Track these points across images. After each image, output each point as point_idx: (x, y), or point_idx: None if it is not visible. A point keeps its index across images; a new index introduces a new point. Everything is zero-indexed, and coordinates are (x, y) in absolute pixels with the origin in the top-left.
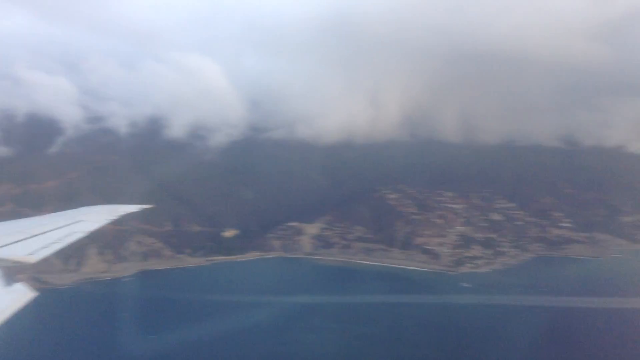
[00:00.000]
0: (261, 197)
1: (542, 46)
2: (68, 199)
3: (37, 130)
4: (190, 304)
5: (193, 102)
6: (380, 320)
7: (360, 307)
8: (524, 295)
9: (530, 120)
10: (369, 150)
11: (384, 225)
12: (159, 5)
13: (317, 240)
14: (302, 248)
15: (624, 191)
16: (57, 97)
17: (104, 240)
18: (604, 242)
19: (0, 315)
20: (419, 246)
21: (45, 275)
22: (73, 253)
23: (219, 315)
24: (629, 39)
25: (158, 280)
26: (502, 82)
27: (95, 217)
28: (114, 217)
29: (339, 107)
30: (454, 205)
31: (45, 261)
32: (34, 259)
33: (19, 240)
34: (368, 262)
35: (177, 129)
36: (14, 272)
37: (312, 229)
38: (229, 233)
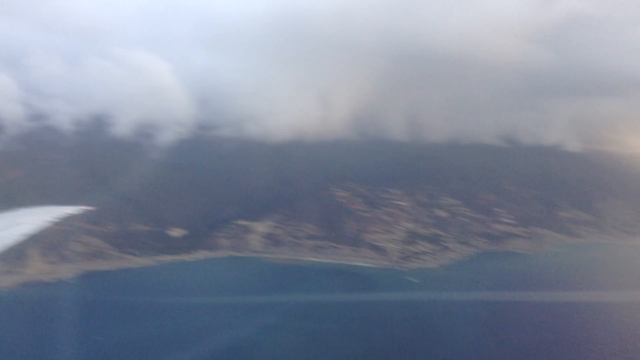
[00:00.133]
0: (209, 196)
1: (485, 48)
2: (10, 199)
3: None
4: (138, 306)
5: (140, 100)
6: (332, 318)
7: (312, 305)
8: (470, 291)
9: (473, 120)
10: (318, 148)
11: (333, 223)
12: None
13: (266, 238)
14: (252, 247)
15: (561, 188)
16: None
17: (47, 242)
18: (543, 236)
19: None
20: (368, 243)
21: None
22: (14, 255)
23: (168, 317)
24: (566, 41)
25: (104, 281)
26: (446, 83)
27: (33, 219)
28: (53, 219)
29: (288, 106)
30: (401, 203)
31: None
32: None
33: None
34: (318, 260)
35: (123, 127)
36: None
37: (262, 227)
38: (176, 232)
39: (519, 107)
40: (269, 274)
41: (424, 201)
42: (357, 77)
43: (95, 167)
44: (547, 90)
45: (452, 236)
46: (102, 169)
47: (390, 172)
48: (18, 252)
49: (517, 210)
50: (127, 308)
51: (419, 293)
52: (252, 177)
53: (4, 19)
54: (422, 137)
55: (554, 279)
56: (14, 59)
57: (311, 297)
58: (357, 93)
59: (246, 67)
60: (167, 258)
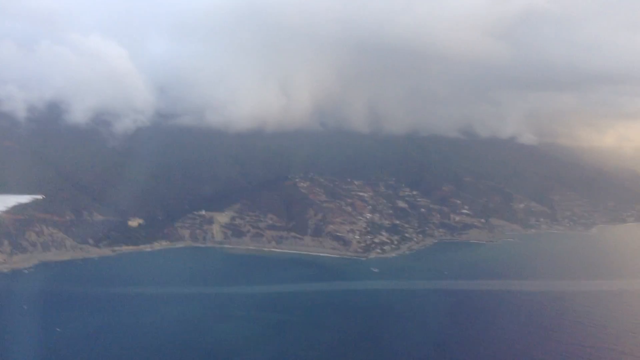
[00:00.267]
0: (169, 186)
1: (445, 41)
2: None
3: None
4: (96, 297)
5: (96, 87)
6: (294, 308)
7: (274, 295)
8: (429, 280)
9: (432, 112)
10: (279, 138)
11: (295, 213)
12: None
13: (227, 229)
14: (213, 237)
15: (516, 180)
16: None
17: (0, 231)
18: (499, 227)
19: None
20: (329, 233)
21: None
22: None
23: (127, 308)
24: (523, 36)
25: (61, 271)
26: (406, 75)
27: None
28: (6, 208)
29: (249, 95)
30: (362, 193)
31: None
32: None
33: None
34: (280, 250)
35: (79, 114)
36: None
37: (223, 217)
38: (134, 222)
39: (476, 100)
40: (230, 264)
41: (384, 192)
42: (318, 67)
43: (50, 155)
44: (503, 84)
45: (411, 226)
46: (57, 157)
47: (351, 163)
48: None
49: (474, 201)
50: (85, 299)
51: (380, 282)
52: (213, 167)
53: None
54: (382, 129)
55: (508, 268)
56: None
57: (273, 287)
58: (318, 83)
59: (207, 55)
60: (126, 248)
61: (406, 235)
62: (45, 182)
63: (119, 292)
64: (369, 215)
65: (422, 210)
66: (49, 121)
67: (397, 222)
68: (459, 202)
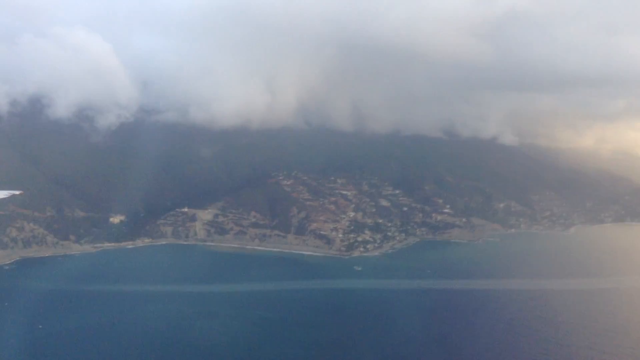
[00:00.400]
0: (152, 182)
1: (428, 41)
2: None
3: None
4: (78, 293)
5: (80, 81)
6: (277, 306)
7: (257, 293)
8: (412, 279)
9: (415, 112)
10: (263, 136)
11: (278, 211)
12: None
13: (210, 226)
14: (195, 235)
15: (497, 180)
16: None
17: None
18: (480, 226)
19: None
20: (313, 231)
21: None
22: None
23: (109, 305)
24: (505, 37)
25: (42, 268)
26: (390, 74)
27: None
28: None
29: (234, 92)
30: (345, 192)
31: None
32: None
33: None
34: (263, 248)
35: (62, 109)
36: None
37: (205, 215)
38: (116, 219)
39: (458, 100)
40: (212, 262)
41: (367, 191)
42: (303, 65)
43: (32, 151)
44: (485, 85)
45: (394, 225)
46: (39, 152)
47: (335, 161)
48: None
49: (455, 200)
50: (67, 296)
51: (363, 281)
52: (196, 164)
53: None
54: (366, 127)
55: (489, 267)
56: None
57: (257, 285)
58: (303, 82)
59: (192, 51)
60: (108, 245)
61: (389, 234)
62: (26, 178)
63: (101, 289)
64: (352, 214)
65: (405, 209)
66: (30, 116)
67: (380, 220)
68: (440, 201)
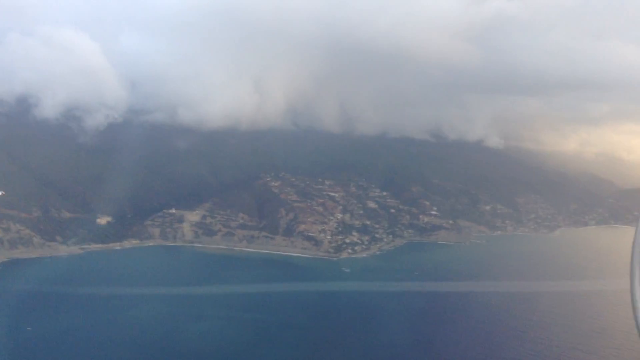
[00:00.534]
0: (140, 183)
1: (416, 43)
2: None
3: None
4: (65, 295)
5: (67, 81)
6: (266, 308)
7: (246, 295)
8: (400, 281)
9: (402, 114)
10: (251, 137)
11: (267, 213)
12: None
13: (198, 227)
14: (183, 236)
15: (483, 182)
16: None
17: None
18: (467, 228)
19: None
20: (301, 233)
21: None
22: None
23: (97, 307)
24: (492, 41)
25: (29, 269)
26: (378, 76)
27: None
28: None
29: (222, 93)
30: (333, 194)
31: None
32: None
33: None
34: (251, 250)
35: (49, 108)
36: None
37: (193, 216)
38: (103, 220)
39: (445, 102)
40: (201, 263)
41: (355, 192)
42: (292, 66)
43: (18, 151)
44: (472, 87)
45: (382, 227)
46: (25, 152)
47: (323, 163)
48: None
49: (442, 202)
50: (55, 298)
51: (352, 282)
52: (184, 165)
53: None
54: (353, 129)
55: (476, 269)
56: None
57: (245, 287)
58: (292, 83)
59: (180, 51)
60: (95, 246)
61: (376, 235)
62: (12, 178)
63: (89, 291)
64: (340, 216)
65: (392, 211)
66: (17, 116)
67: (368, 222)
68: (427, 203)
